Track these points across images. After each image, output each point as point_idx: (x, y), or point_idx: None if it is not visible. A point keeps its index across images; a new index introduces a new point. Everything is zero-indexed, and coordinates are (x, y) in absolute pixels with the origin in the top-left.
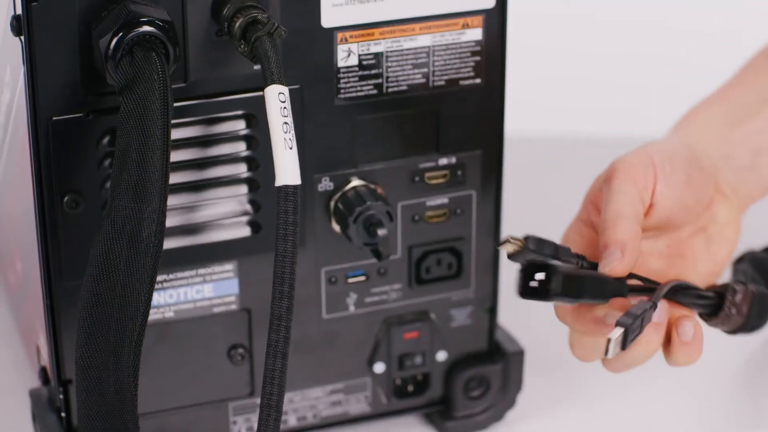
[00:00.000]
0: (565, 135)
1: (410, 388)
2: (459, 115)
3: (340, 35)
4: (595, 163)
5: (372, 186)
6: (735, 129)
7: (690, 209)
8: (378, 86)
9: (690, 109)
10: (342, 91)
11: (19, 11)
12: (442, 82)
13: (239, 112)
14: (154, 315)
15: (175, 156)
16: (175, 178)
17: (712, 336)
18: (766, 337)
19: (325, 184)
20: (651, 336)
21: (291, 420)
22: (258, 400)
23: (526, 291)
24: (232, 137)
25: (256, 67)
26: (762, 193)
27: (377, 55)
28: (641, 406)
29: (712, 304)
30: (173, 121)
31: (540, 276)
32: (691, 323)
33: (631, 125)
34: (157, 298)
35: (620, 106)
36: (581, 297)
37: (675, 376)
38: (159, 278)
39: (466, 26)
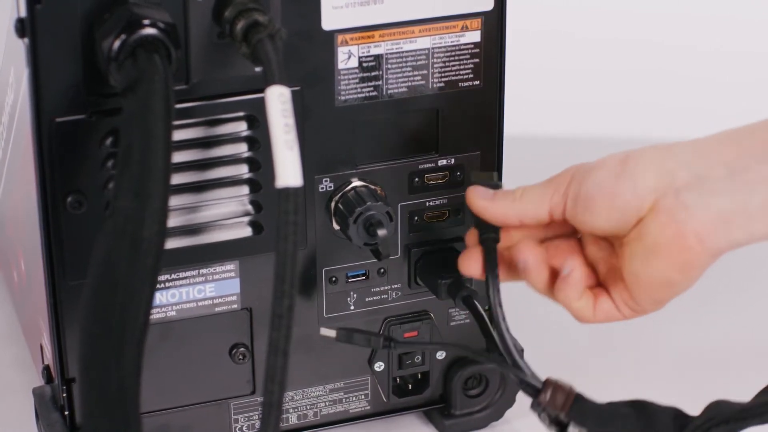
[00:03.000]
0: (564, 135)
1: (410, 386)
2: (458, 117)
3: (340, 37)
4: None
5: (372, 186)
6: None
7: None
8: (378, 88)
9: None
10: (342, 92)
11: (22, 13)
12: (442, 84)
13: (241, 114)
14: (156, 314)
15: (177, 157)
16: (177, 178)
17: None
18: None
19: (326, 184)
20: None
21: (292, 418)
22: (259, 399)
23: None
24: (233, 138)
25: (258, 68)
26: (745, 224)
27: (377, 57)
28: None
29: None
30: (175, 123)
31: None
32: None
33: (630, 125)
34: (160, 297)
35: (620, 106)
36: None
37: (675, 375)
38: (161, 278)
39: (465, 28)
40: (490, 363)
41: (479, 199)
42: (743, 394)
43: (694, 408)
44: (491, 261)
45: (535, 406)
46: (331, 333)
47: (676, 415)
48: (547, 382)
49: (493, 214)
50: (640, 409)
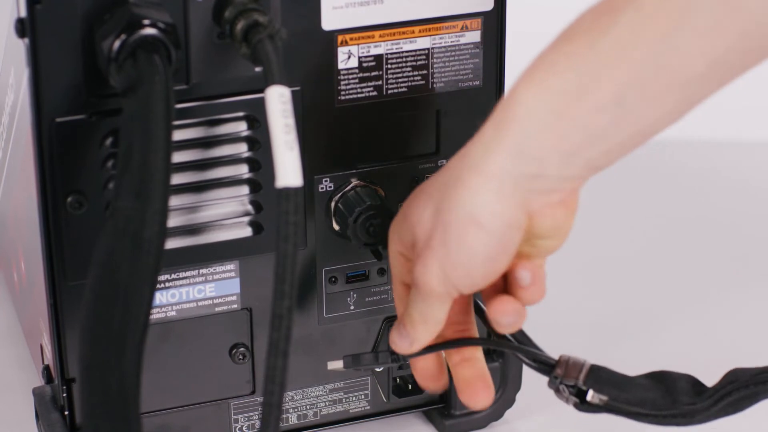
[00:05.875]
0: None
1: (410, 386)
2: (458, 117)
3: (340, 37)
4: None
5: (372, 186)
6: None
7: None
8: (378, 88)
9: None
10: (342, 92)
11: (23, 13)
12: (442, 84)
13: (241, 114)
14: (156, 314)
15: (177, 157)
16: (177, 179)
17: None
18: None
19: (326, 184)
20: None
21: (292, 418)
22: (259, 399)
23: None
24: (233, 138)
25: (258, 69)
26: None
27: (377, 57)
28: None
29: (544, 370)
30: (175, 123)
31: None
32: (526, 270)
33: None
34: (160, 297)
35: None
36: None
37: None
38: (161, 278)
39: (465, 28)
40: (500, 348)
41: (401, 346)
42: None
43: None
44: (475, 303)
45: (552, 380)
46: (338, 365)
47: (694, 382)
48: (562, 357)
49: (422, 342)
50: (658, 378)
